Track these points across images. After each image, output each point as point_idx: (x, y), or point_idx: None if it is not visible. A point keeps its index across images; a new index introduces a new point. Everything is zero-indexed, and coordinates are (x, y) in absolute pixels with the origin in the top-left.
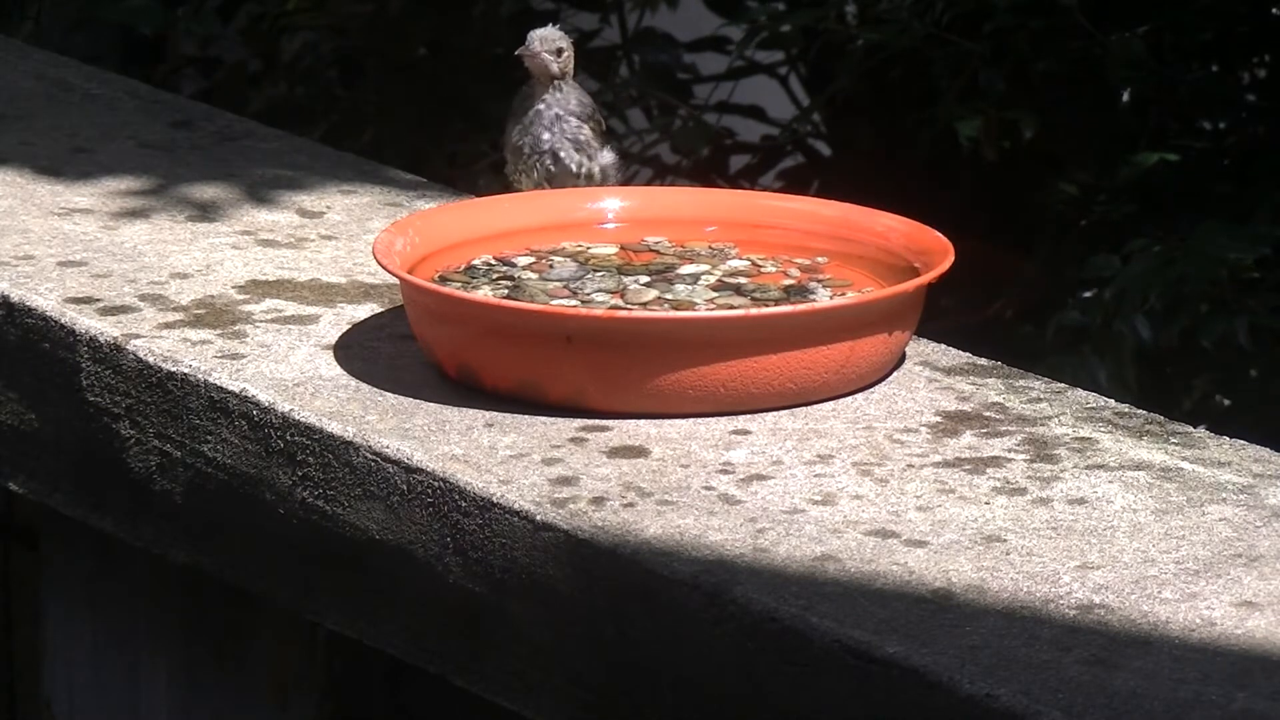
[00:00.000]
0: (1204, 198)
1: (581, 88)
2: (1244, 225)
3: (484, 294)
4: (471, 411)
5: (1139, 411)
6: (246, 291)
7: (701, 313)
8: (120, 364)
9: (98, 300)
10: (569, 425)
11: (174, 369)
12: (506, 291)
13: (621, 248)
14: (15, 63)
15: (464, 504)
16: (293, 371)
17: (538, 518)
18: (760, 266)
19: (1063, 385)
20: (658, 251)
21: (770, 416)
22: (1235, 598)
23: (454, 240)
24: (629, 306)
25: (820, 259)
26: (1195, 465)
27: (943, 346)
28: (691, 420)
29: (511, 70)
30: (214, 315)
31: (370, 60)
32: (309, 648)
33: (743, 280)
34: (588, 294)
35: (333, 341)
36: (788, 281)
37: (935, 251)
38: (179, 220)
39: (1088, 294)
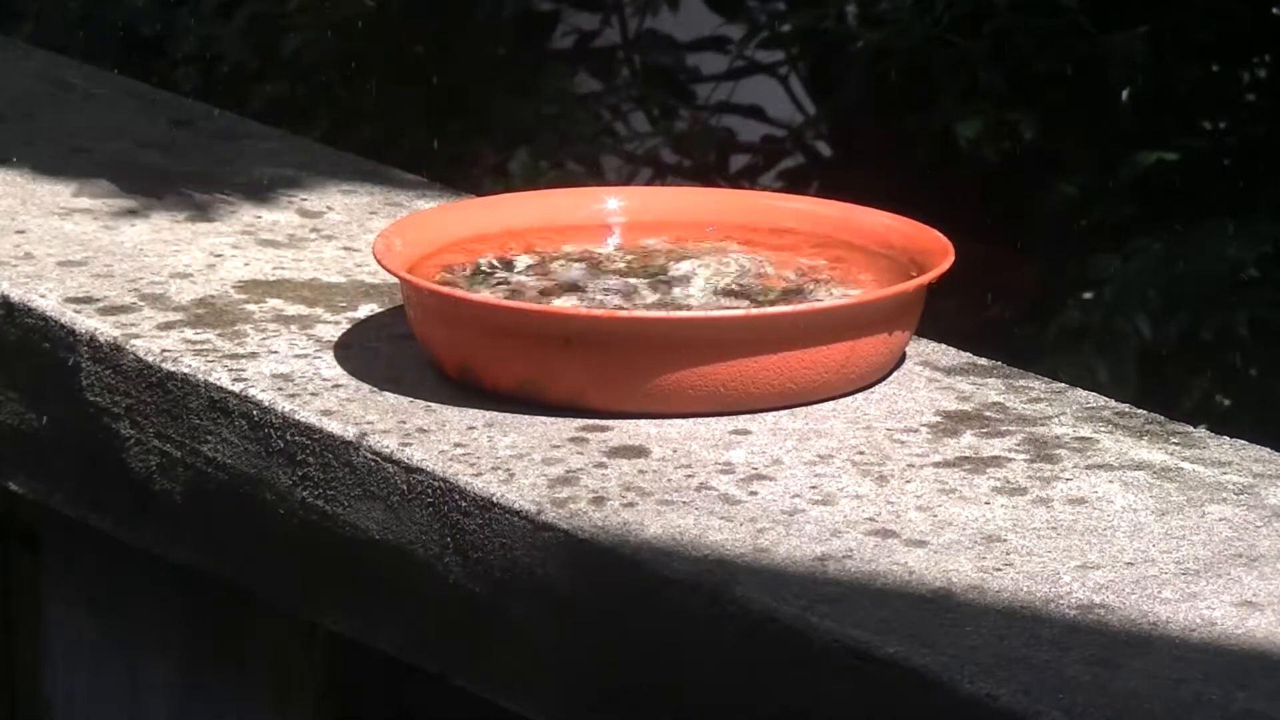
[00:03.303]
0: (1204, 197)
1: None
2: (1244, 223)
3: (484, 294)
4: (471, 411)
5: (1139, 411)
6: (246, 291)
7: (701, 313)
8: (120, 364)
9: (98, 300)
10: (569, 425)
11: (174, 369)
12: (507, 292)
13: (622, 248)
14: (15, 63)
15: (464, 504)
16: (293, 371)
17: (538, 518)
18: (761, 267)
19: (1063, 385)
20: (658, 252)
21: (770, 416)
22: (1235, 598)
23: (455, 240)
24: (629, 307)
25: (821, 259)
26: (1195, 465)
27: (943, 346)
28: (692, 420)
29: (512, 71)
30: (214, 315)
31: (370, 60)
32: (309, 648)
33: (743, 281)
34: (589, 295)
35: (333, 341)
36: (788, 282)
37: (935, 251)
38: (179, 220)
39: (1088, 294)
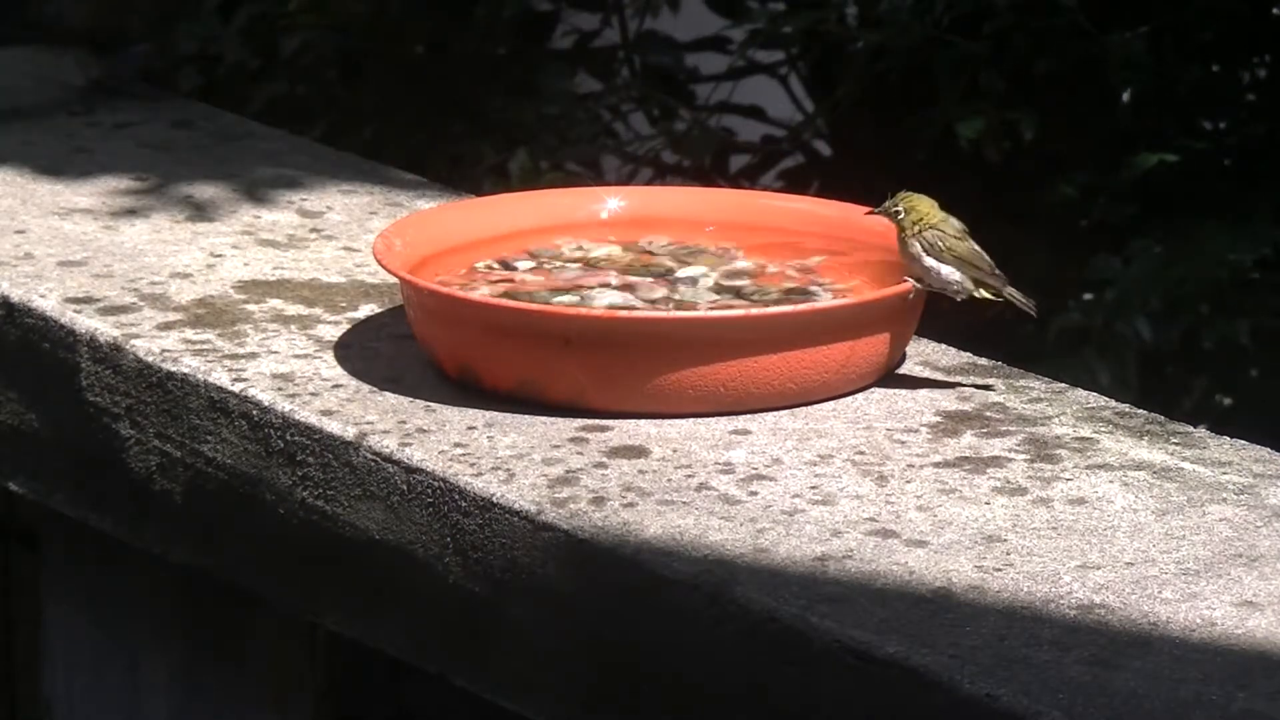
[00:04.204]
0: (1204, 198)
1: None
2: (1244, 225)
3: (484, 294)
4: (471, 411)
5: (1139, 411)
6: (246, 291)
7: (701, 313)
8: (120, 364)
9: (98, 300)
10: (569, 425)
11: (174, 369)
12: (507, 292)
13: (622, 248)
14: (15, 63)
15: (464, 504)
16: (293, 371)
17: (538, 518)
18: (761, 267)
19: (1063, 385)
20: (658, 253)
21: (770, 416)
22: (1235, 598)
23: (455, 240)
24: (629, 307)
25: (820, 259)
26: (1195, 465)
27: (943, 346)
28: (692, 420)
29: (512, 71)
30: (214, 315)
31: (370, 60)
32: (309, 648)
33: (744, 281)
34: (589, 295)
35: (333, 341)
36: (788, 282)
37: None
38: (179, 220)
39: (1088, 296)
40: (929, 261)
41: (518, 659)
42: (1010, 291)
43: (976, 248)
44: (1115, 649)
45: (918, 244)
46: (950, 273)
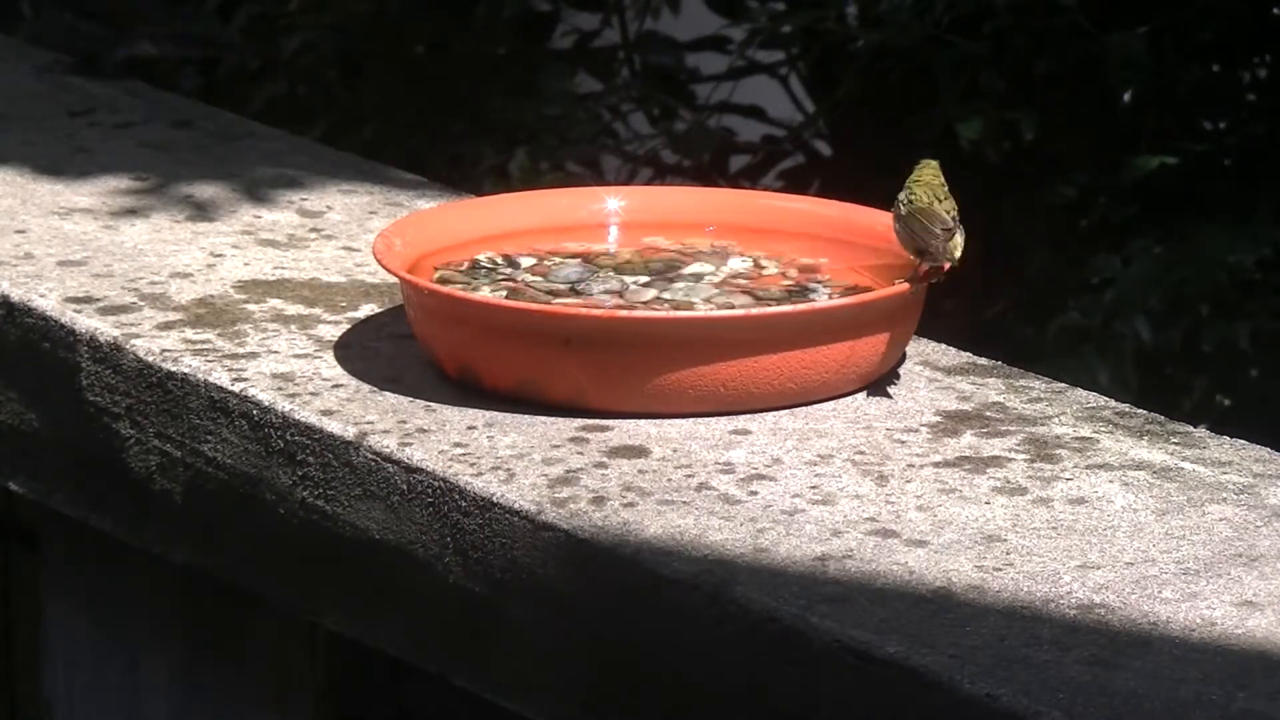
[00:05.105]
0: (1204, 198)
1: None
2: (1244, 226)
3: (484, 294)
4: (471, 411)
5: (1139, 411)
6: (246, 291)
7: (701, 312)
8: (120, 364)
9: (98, 300)
10: (569, 425)
11: (174, 369)
12: (507, 292)
13: (622, 248)
14: (15, 62)
15: (464, 504)
16: (293, 371)
17: (538, 518)
18: (761, 267)
19: (1063, 385)
20: (658, 252)
21: (770, 416)
22: (1235, 598)
23: (455, 240)
24: (629, 306)
25: (820, 259)
26: (1195, 465)
27: (943, 346)
28: (692, 420)
29: (512, 71)
30: (214, 315)
31: (370, 60)
32: (309, 647)
33: (743, 281)
34: (588, 294)
35: (333, 341)
36: (788, 282)
37: None
38: (179, 220)
39: (1088, 295)
40: (895, 225)
41: (518, 659)
42: (933, 256)
43: (938, 219)
44: (1115, 649)
45: (897, 206)
46: (903, 235)
